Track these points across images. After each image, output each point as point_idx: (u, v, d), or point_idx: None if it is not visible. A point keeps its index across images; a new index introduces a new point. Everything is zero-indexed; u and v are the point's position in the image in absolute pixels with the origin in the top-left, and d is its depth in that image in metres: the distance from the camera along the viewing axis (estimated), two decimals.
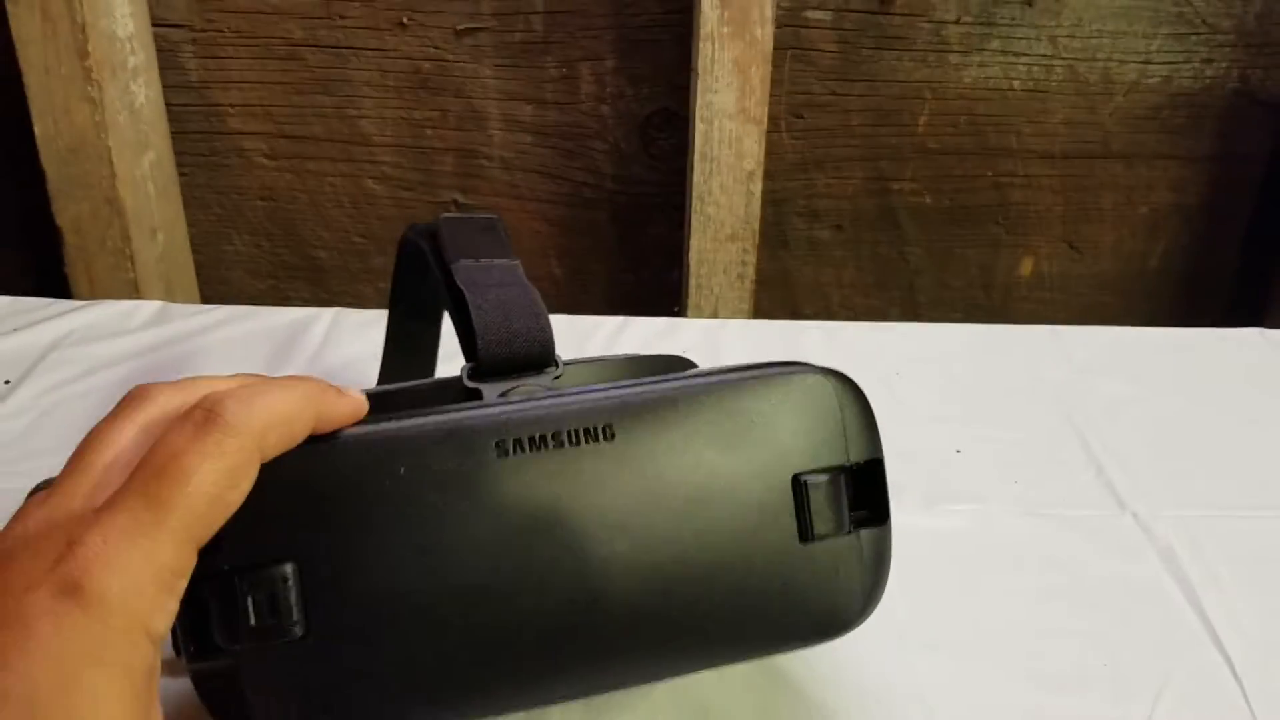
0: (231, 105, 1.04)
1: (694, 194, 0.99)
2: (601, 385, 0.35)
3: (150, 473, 0.28)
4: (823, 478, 0.35)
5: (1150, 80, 1.07)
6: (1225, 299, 1.17)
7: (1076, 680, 0.46)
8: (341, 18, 1.01)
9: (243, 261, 1.12)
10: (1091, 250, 1.14)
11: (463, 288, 0.39)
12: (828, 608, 0.36)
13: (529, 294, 0.40)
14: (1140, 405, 0.67)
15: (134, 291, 0.99)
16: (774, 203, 1.08)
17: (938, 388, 0.68)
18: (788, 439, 0.35)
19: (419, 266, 0.45)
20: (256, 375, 0.33)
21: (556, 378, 0.39)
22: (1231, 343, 0.75)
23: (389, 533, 0.31)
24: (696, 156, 0.97)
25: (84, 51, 0.91)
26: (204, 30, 1.01)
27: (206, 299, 1.11)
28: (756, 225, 1.01)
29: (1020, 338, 0.75)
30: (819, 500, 0.35)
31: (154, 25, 1.00)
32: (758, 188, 0.99)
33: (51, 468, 0.57)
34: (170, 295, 1.04)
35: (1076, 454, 0.61)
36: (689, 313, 1.03)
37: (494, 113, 1.05)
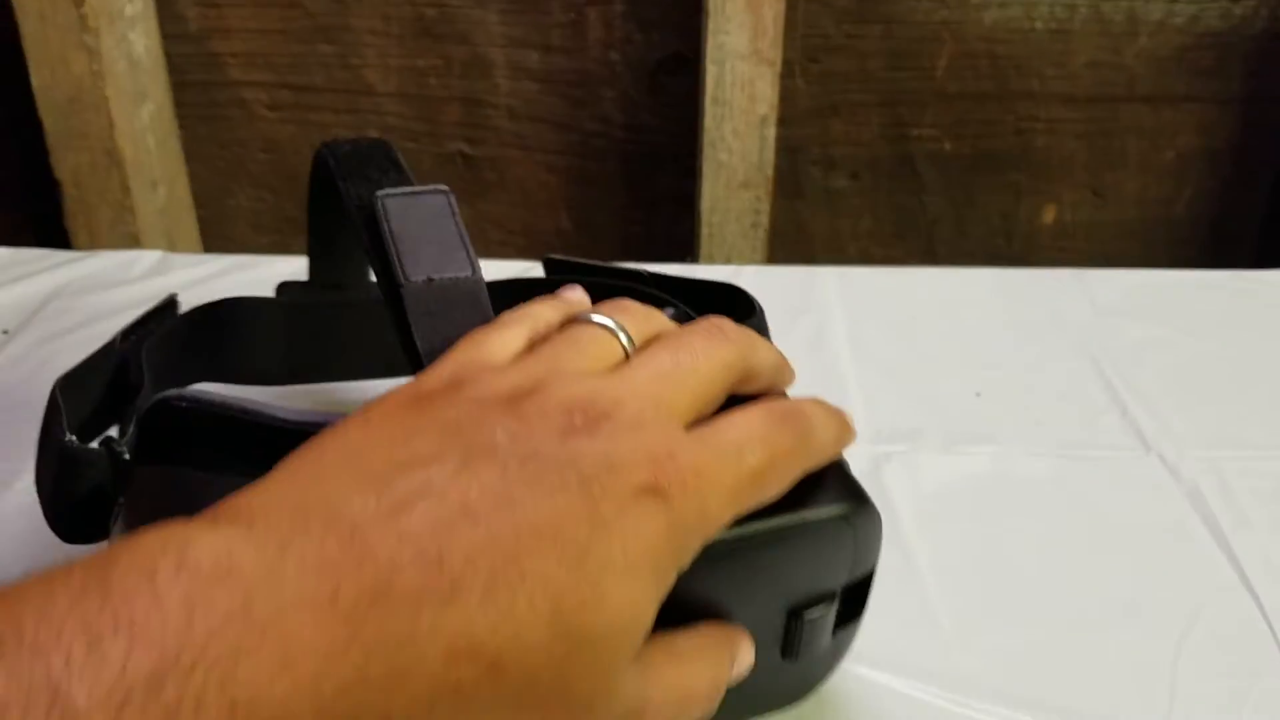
0: (232, 54, 1.03)
1: (705, 140, 0.97)
2: None
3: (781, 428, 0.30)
4: (818, 611, 0.34)
5: (1176, 20, 1.04)
6: (1252, 246, 1.14)
7: (1102, 618, 0.44)
8: None
9: (245, 215, 1.11)
10: (1115, 197, 1.12)
11: (417, 339, 0.35)
12: (795, 690, 0.38)
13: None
14: (1165, 347, 0.65)
15: (135, 245, 0.98)
16: (788, 150, 1.05)
17: (956, 331, 0.66)
18: (793, 579, 0.33)
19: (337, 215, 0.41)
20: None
21: None
22: (1258, 284, 0.73)
23: None
24: (708, 100, 0.95)
25: None
26: None
27: (209, 253, 1.10)
28: (770, 172, 0.99)
29: (1042, 281, 0.73)
30: (810, 630, 0.35)
31: None
32: (771, 133, 0.97)
33: None
34: (172, 249, 1.02)
35: (1100, 396, 0.60)
36: (701, 263, 1.01)
37: (499, 60, 1.03)
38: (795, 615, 0.34)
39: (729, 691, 0.35)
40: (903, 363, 0.63)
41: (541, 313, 0.33)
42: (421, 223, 0.37)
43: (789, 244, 1.10)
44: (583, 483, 0.26)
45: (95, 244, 0.99)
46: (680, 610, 0.32)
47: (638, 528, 0.26)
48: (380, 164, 0.40)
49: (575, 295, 0.35)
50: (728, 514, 0.28)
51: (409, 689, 0.23)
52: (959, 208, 1.11)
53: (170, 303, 0.49)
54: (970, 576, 0.46)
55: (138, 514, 0.34)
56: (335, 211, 0.39)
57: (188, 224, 1.07)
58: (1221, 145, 1.10)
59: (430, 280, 0.35)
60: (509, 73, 1.04)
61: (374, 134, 1.07)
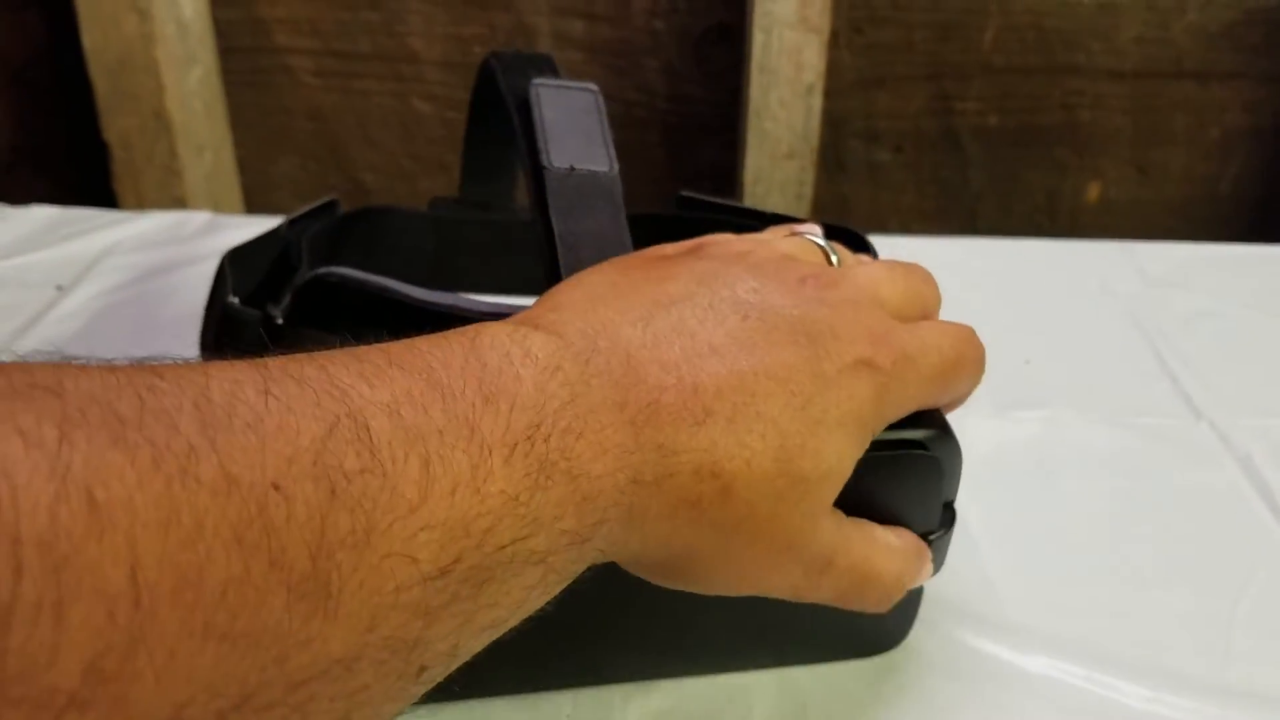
0: (278, 20, 1.03)
1: (750, 109, 0.96)
2: None
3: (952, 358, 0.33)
4: (935, 534, 0.36)
5: None
6: None
7: (1155, 578, 0.44)
8: None
9: (289, 183, 1.11)
10: (1160, 174, 1.10)
11: (553, 222, 0.37)
12: (878, 637, 0.40)
13: (624, 246, 0.37)
14: (1214, 318, 0.65)
15: (181, 208, 0.99)
16: (831, 123, 1.05)
17: (1004, 300, 0.66)
18: (884, 516, 0.34)
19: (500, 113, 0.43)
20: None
21: None
22: None
23: None
24: (754, 68, 0.94)
25: None
26: None
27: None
28: (815, 143, 0.98)
29: (1090, 252, 0.73)
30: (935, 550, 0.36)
31: None
32: (817, 102, 0.96)
33: None
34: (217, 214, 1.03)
35: (1150, 364, 0.60)
36: None
37: (544, 29, 1.03)
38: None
39: (817, 641, 0.38)
40: None
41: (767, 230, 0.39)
42: (570, 114, 0.39)
43: (831, 217, 1.09)
44: (812, 341, 0.29)
45: (142, 206, 0.99)
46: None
47: (852, 390, 0.29)
48: (539, 66, 0.42)
49: (806, 225, 0.40)
50: (920, 399, 0.32)
51: (665, 493, 0.27)
52: (1002, 183, 1.10)
53: (332, 202, 0.53)
54: (1023, 539, 0.46)
55: None
56: (492, 131, 0.41)
57: (232, 189, 1.08)
58: (1268, 123, 1.08)
59: (572, 169, 0.38)
60: (553, 41, 1.04)
61: (417, 102, 1.07)
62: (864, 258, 0.38)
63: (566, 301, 0.29)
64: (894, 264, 0.35)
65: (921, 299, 0.35)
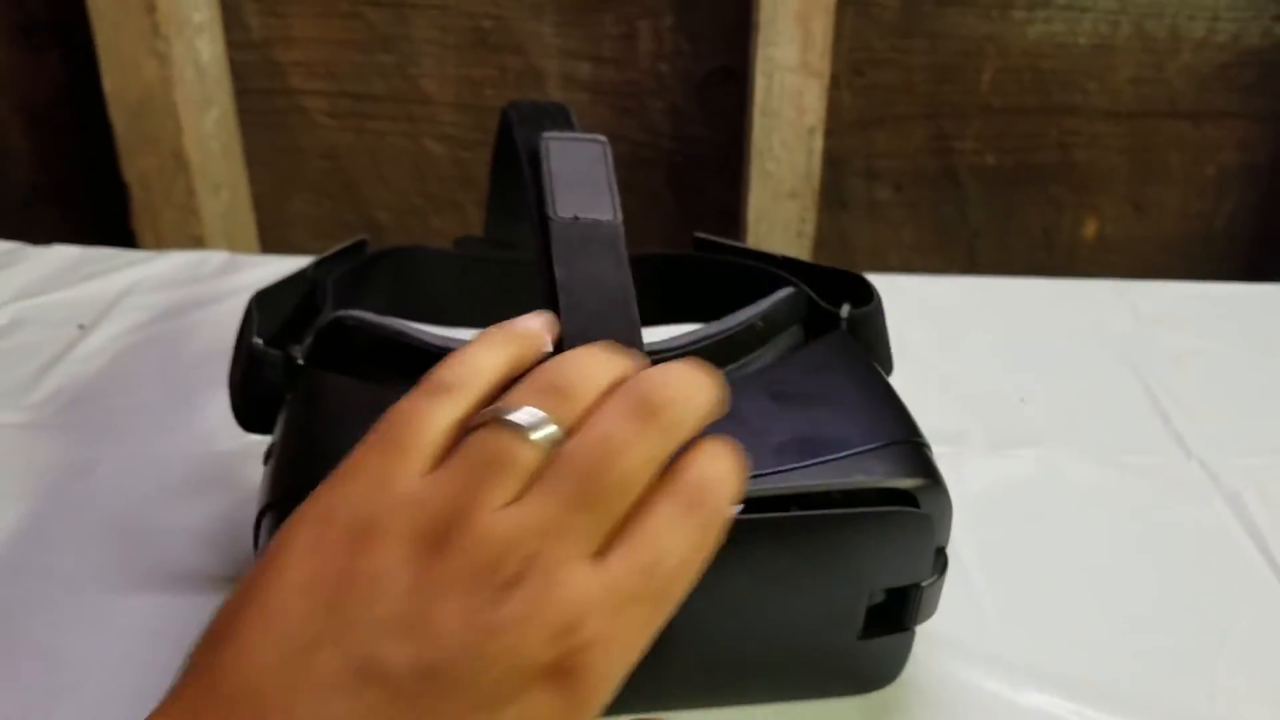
0: (293, 63, 1.05)
1: (753, 150, 0.99)
2: None
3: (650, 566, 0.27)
4: (897, 598, 0.37)
5: (1218, 38, 1.04)
6: None
7: (1144, 615, 0.46)
8: None
9: (303, 220, 1.13)
10: (1156, 211, 1.12)
11: (555, 269, 0.37)
12: (871, 675, 0.40)
13: (624, 292, 0.37)
14: (1206, 357, 0.66)
15: (198, 246, 1.01)
16: (832, 162, 1.07)
17: (1000, 339, 0.68)
18: (874, 567, 0.35)
19: (514, 163, 0.45)
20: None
21: None
22: None
23: None
24: (757, 111, 0.97)
25: (152, 6, 0.93)
26: None
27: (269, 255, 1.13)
28: (816, 183, 1.00)
29: (1084, 291, 0.75)
30: (889, 614, 0.38)
31: None
32: (818, 144, 0.99)
33: (125, 408, 0.59)
34: (232, 251, 1.05)
35: (1142, 403, 0.61)
36: None
37: (553, 71, 1.05)
38: (874, 602, 0.36)
39: (805, 681, 0.38)
40: (948, 368, 0.64)
41: (483, 368, 0.31)
42: (578, 165, 0.41)
43: (832, 254, 1.11)
44: (480, 691, 0.25)
45: (160, 245, 1.01)
46: (761, 583, 0.34)
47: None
48: (554, 118, 0.44)
49: (532, 326, 0.34)
50: (637, 656, 0.27)
51: None
52: (1000, 220, 1.12)
53: (360, 243, 0.55)
54: (1016, 575, 0.48)
55: (297, 410, 0.39)
56: (514, 175, 0.43)
57: (247, 226, 1.10)
58: (1262, 161, 1.10)
59: (576, 218, 0.39)
60: (561, 83, 1.06)
61: (429, 142, 1.09)
62: (598, 419, 0.28)
63: (215, 664, 0.25)
64: (621, 434, 0.27)
65: (655, 465, 0.28)
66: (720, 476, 0.28)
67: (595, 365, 0.30)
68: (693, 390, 0.29)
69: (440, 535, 0.26)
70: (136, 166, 1.00)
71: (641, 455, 0.27)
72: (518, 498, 0.26)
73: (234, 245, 1.06)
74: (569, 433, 0.28)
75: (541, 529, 0.26)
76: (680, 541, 0.27)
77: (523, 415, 0.27)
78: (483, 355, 0.31)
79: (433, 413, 0.28)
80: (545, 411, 0.28)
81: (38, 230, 0.83)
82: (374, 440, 0.28)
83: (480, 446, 0.27)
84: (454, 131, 1.08)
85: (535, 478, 0.27)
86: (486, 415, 0.28)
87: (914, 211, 1.12)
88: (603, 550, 0.27)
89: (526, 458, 0.27)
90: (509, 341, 0.32)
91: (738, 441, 0.29)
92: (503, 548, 0.25)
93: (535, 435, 0.27)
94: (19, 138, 1.08)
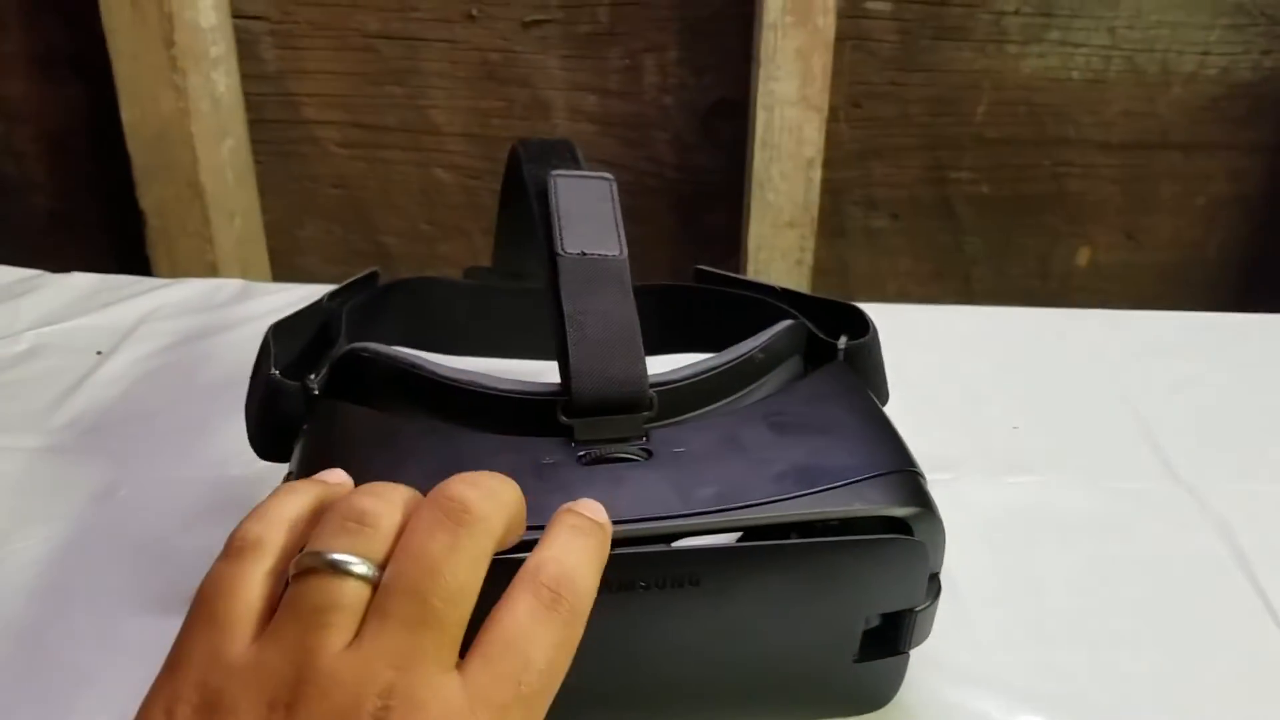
0: (307, 95, 1.08)
1: (754, 181, 1.01)
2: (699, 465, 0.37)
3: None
4: (893, 622, 0.38)
5: (1209, 71, 1.07)
6: None
7: (1134, 640, 0.47)
8: (414, 10, 1.04)
9: (314, 247, 1.15)
10: (1149, 240, 1.14)
11: (563, 302, 0.39)
12: (867, 697, 0.41)
13: (630, 325, 0.39)
14: (1196, 386, 0.67)
15: (213, 273, 1.03)
16: (831, 192, 1.09)
17: (994, 368, 0.69)
18: (870, 592, 0.37)
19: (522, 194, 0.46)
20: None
21: (649, 419, 0.39)
22: None
23: None
24: (757, 144, 0.99)
25: (170, 40, 0.95)
26: (282, 22, 1.05)
27: (279, 282, 1.14)
28: (815, 213, 1.02)
29: (1077, 321, 0.76)
30: (884, 638, 0.39)
31: (234, 17, 1.03)
32: (817, 175, 1.01)
33: (142, 434, 0.60)
34: (245, 278, 1.07)
35: (1132, 431, 0.62)
36: None
37: (559, 103, 1.08)
38: (870, 627, 0.37)
39: (803, 702, 0.39)
40: (944, 396, 0.65)
41: (283, 518, 0.30)
42: (584, 202, 0.42)
43: (831, 282, 1.13)
44: None
45: (175, 272, 1.03)
46: (761, 607, 0.35)
47: None
48: (561, 155, 0.45)
49: (332, 476, 0.33)
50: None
51: None
52: (996, 249, 1.14)
53: (372, 275, 0.56)
54: (1008, 600, 0.49)
55: (314, 439, 0.40)
56: (522, 208, 0.45)
57: (259, 252, 1.11)
58: (1252, 191, 1.12)
59: (584, 254, 0.40)
60: (568, 114, 1.08)
61: (438, 171, 1.11)
62: (408, 543, 0.28)
63: None
64: (439, 558, 0.27)
65: (481, 566, 0.28)
66: (576, 564, 0.29)
67: (386, 491, 0.29)
68: (491, 485, 0.29)
69: (292, 694, 0.25)
70: (152, 195, 1.02)
71: (464, 559, 0.27)
72: (356, 635, 0.26)
73: (246, 271, 1.08)
74: (385, 559, 0.27)
75: (391, 658, 0.25)
76: (544, 641, 0.27)
77: (335, 554, 0.27)
78: (282, 506, 0.30)
79: (243, 576, 0.28)
80: (356, 544, 0.27)
81: (55, 256, 0.85)
82: (194, 619, 0.28)
83: (302, 596, 0.27)
84: (462, 160, 1.10)
85: (368, 611, 0.27)
86: (300, 563, 0.27)
87: (911, 240, 1.14)
88: (463, 660, 0.27)
89: (351, 594, 0.27)
90: (308, 488, 0.32)
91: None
92: (358, 687, 0.25)
93: (354, 569, 0.27)
94: (38, 167, 1.10)
